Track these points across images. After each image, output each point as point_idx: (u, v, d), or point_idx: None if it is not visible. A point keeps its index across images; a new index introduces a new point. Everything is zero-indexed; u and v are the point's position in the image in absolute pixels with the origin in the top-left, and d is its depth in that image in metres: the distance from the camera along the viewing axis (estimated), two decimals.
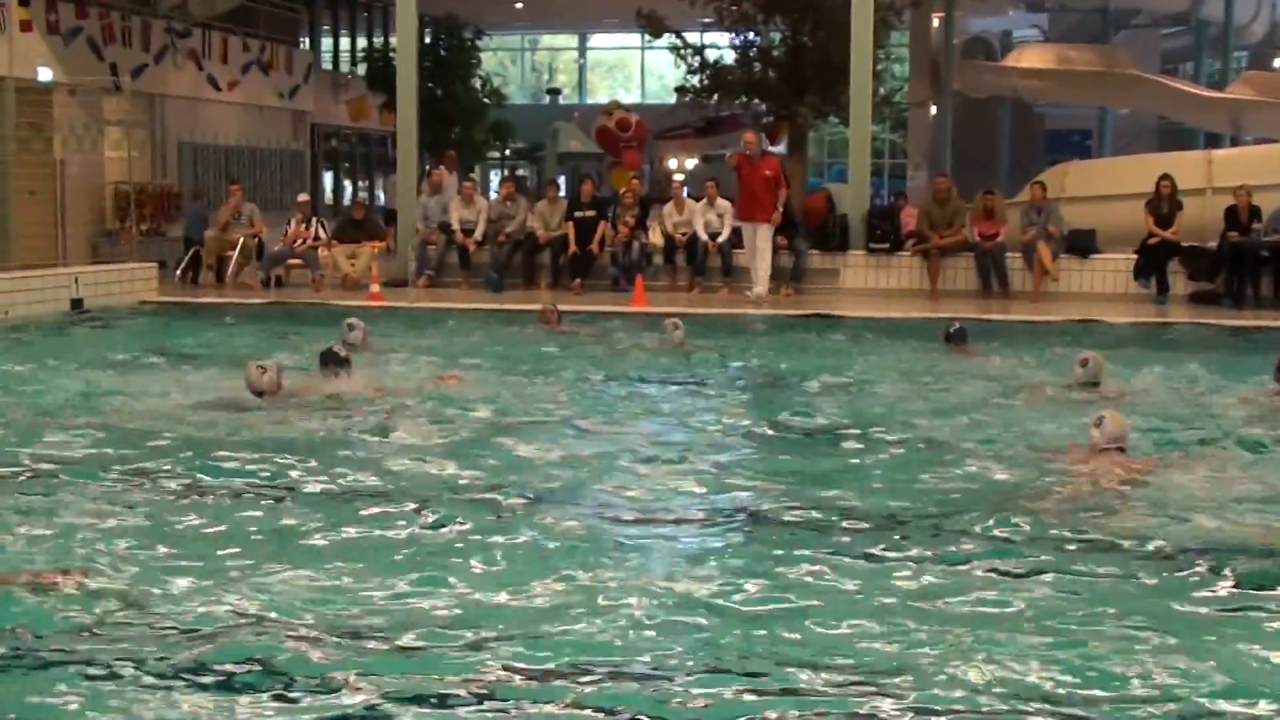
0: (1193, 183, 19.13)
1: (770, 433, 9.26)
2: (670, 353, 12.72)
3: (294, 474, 7.72)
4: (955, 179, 20.38)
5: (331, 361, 10.00)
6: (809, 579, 5.82)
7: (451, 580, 5.77)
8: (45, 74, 21.86)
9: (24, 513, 6.68)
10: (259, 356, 10.74)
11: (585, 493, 7.40)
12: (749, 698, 4.53)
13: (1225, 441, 8.65)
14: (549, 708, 4.45)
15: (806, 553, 6.17)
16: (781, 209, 18.43)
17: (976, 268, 18.61)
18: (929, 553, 6.17)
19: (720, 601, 5.50)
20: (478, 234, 19.82)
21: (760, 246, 18.16)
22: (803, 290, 18.78)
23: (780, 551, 6.21)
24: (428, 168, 24.20)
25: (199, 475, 7.64)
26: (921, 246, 18.92)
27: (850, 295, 18.62)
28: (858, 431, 9.09)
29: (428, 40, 29.25)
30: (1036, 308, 17.05)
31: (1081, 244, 18.60)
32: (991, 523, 6.62)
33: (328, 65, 35.68)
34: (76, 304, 16.45)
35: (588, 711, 4.44)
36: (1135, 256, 18.17)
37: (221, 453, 8.12)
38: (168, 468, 7.80)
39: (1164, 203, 18.11)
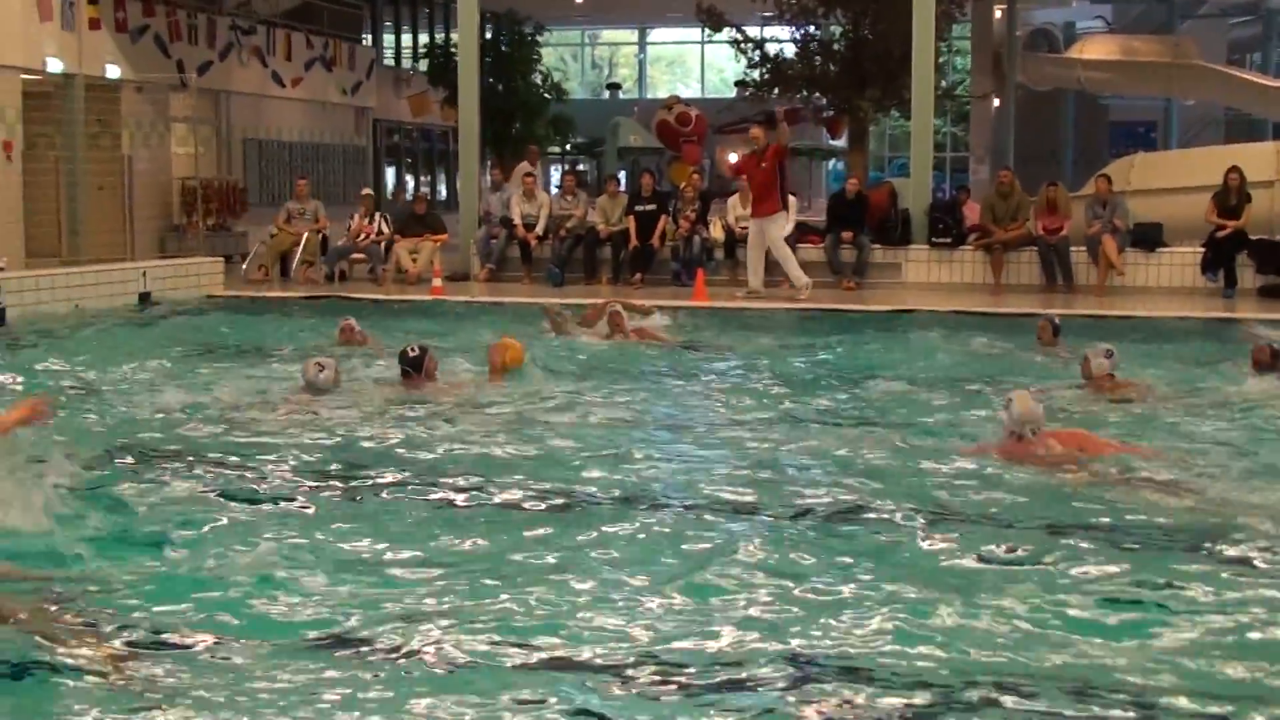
0: (1262, 174, 18.92)
1: (847, 430, 9.20)
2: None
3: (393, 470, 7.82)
4: (1018, 172, 20.26)
5: (402, 362, 10.08)
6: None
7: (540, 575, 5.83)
8: (113, 71, 22.14)
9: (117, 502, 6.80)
10: (318, 353, 10.84)
11: (680, 488, 7.45)
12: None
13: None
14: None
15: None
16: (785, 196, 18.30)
17: (1040, 262, 18.50)
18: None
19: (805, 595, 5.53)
20: (539, 228, 19.89)
21: (776, 244, 17.99)
22: (864, 285, 18.73)
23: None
24: (489, 162, 24.33)
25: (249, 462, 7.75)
26: (984, 241, 18.82)
27: (912, 290, 18.55)
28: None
29: (488, 36, 29.33)
30: (1101, 302, 16.93)
31: (1148, 237, 18.44)
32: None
33: (390, 61, 35.86)
34: (144, 298, 16.62)
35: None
36: (1203, 250, 18.00)
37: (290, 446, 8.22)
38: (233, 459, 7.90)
39: (1232, 195, 17.93)
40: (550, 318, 13.57)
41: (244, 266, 20.66)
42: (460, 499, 7.17)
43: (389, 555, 6.11)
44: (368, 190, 22.07)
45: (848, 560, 5.98)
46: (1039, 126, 36.29)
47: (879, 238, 19.37)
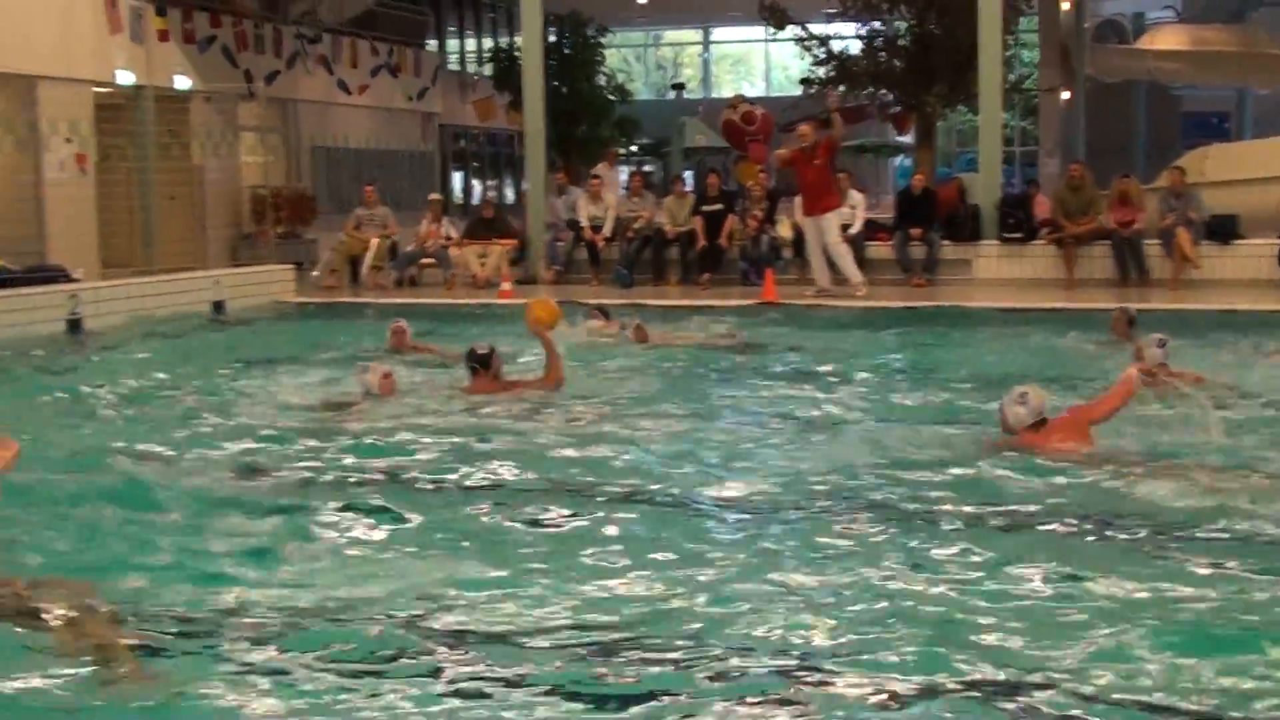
0: None
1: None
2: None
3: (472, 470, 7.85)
4: (1089, 165, 20.06)
5: (470, 360, 10.09)
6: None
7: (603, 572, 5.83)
8: (182, 82, 22.34)
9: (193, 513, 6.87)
10: (375, 358, 10.90)
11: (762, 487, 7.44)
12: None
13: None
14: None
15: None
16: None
17: (1114, 256, 18.30)
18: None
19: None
20: (606, 230, 19.90)
21: (831, 239, 17.91)
22: (934, 281, 18.61)
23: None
24: (555, 166, 24.37)
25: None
26: (1056, 235, 18.65)
27: (983, 286, 18.41)
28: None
29: (552, 38, 29.39)
30: (1176, 296, 16.73)
31: (1223, 229, 18.20)
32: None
33: (455, 66, 36.01)
34: (218, 306, 16.76)
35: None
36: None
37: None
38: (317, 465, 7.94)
39: None
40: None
41: (314, 273, 20.80)
42: (533, 499, 7.18)
43: (464, 556, 6.14)
44: (435, 195, 22.17)
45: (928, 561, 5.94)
46: (1109, 119, 35.90)
47: (948, 234, 19.24)
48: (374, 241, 20.11)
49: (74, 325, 14.72)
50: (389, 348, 12.33)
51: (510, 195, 36.96)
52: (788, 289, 17.57)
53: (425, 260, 20.24)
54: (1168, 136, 37.18)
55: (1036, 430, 7.75)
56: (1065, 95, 32.70)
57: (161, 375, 11.62)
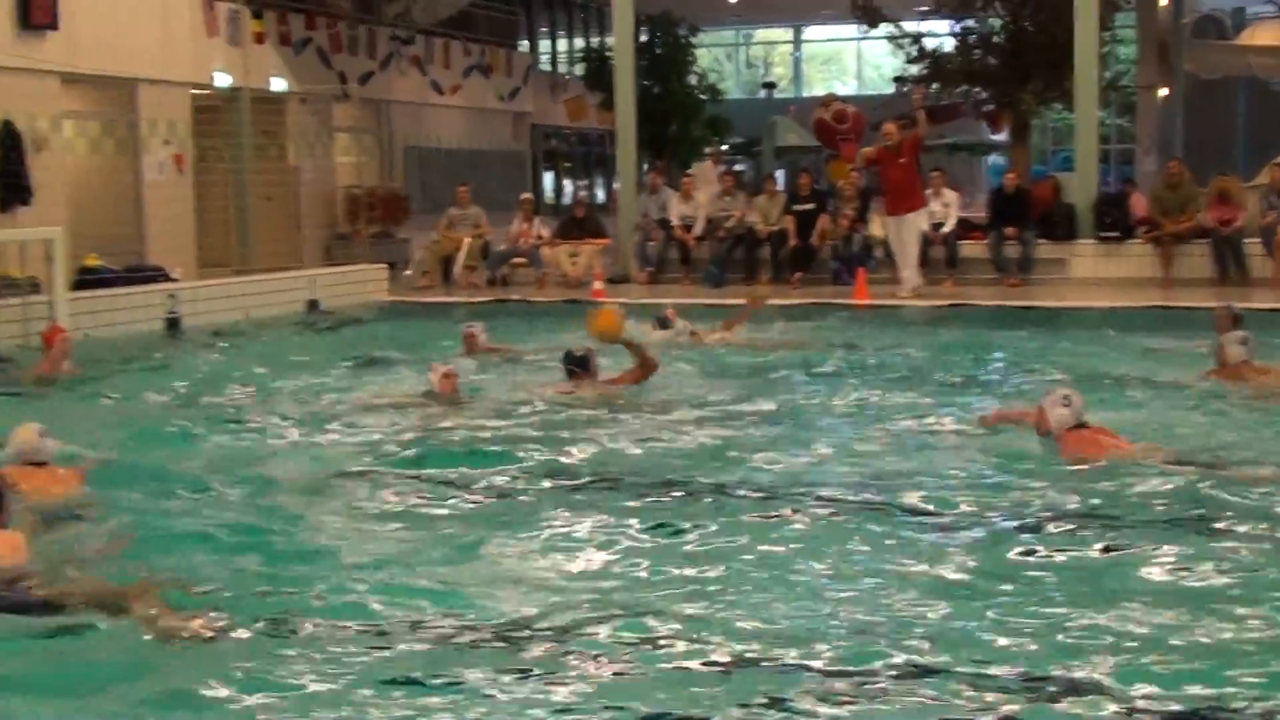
0: None
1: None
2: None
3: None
4: (1187, 163, 19.78)
5: (568, 362, 10.13)
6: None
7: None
8: (278, 84, 22.60)
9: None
10: (443, 359, 10.99)
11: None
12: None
13: None
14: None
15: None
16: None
17: (1213, 254, 18.03)
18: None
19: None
20: (697, 229, 19.89)
21: (907, 238, 17.75)
22: (1029, 281, 18.44)
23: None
24: (646, 165, 24.39)
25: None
26: (1153, 234, 18.41)
27: (1079, 285, 18.21)
28: None
29: (644, 38, 29.41)
30: (1278, 295, 16.44)
31: None
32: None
33: (546, 66, 36.15)
34: (313, 305, 16.94)
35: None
36: None
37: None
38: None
39: None
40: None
41: (407, 272, 20.96)
42: (637, 496, 7.26)
43: (574, 554, 6.19)
44: (527, 195, 22.27)
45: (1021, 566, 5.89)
46: (1208, 116, 35.40)
47: (1044, 233, 19.05)
48: (466, 241, 20.22)
49: (172, 324, 14.94)
50: (463, 352, 12.37)
51: (601, 195, 37.05)
52: (880, 288, 17.47)
53: (517, 259, 20.33)
54: (1268, 133, 36.52)
55: (1077, 432, 7.67)
56: (1163, 92, 32.29)
57: (255, 372, 11.75)
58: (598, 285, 18.26)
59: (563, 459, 8.15)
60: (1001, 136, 32.92)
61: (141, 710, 4.53)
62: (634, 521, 6.65)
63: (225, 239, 21.76)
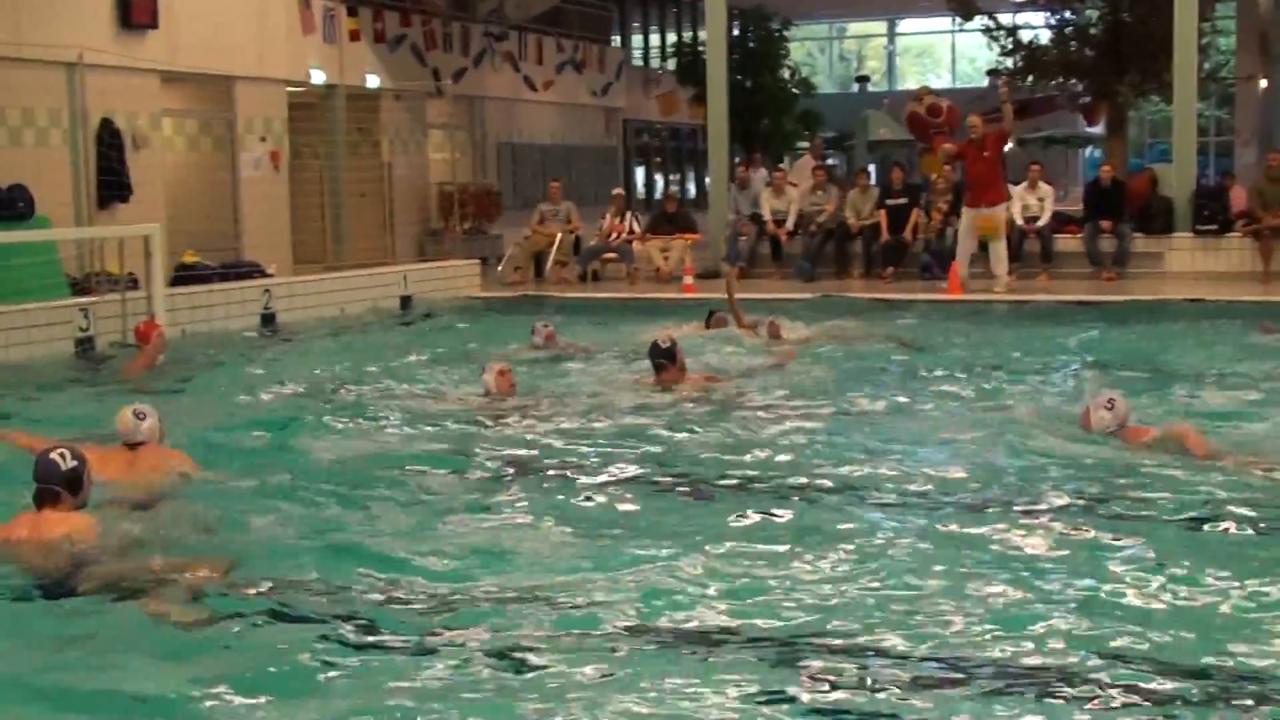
0: None
1: None
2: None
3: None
4: None
5: (655, 355, 10.12)
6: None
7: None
8: (373, 81, 22.79)
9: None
10: (500, 357, 11.06)
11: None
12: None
13: None
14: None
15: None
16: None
17: None
18: None
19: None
20: (789, 224, 19.84)
21: (1000, 228, 17.52)
22: (1125, 275, 18.23)
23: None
24: (737, 160, 24.35)
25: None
26: (1253, 227, 18.12)
27: (1175, 279, 17.96)
28: None
29: (736, 32, 29.37)
30: None
31: None
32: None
33: (638, 61, 36.18)
34: (405, 301, 17.08)
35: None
36: None
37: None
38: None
39: None
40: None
41: (499, 268, 21.06)
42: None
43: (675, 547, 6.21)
44: (619, 190, 22.30)
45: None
46: None
47: (1140, 226, 18.82)
48: (558, 236, 20.29)
49: (267, 319, 15.13)
50: (531, 347, 12.39)
51: (692, 190, 37.03)
52: (973, 282, 17.31)
53: (608, 255, 20.38)
54: None
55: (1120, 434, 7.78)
56: (1263, 83, 31.73)
57: (355, 368, 11.87)
58: (688, 280, 18.26)
59: (636, 455, 8.17)
60: (1097, 129, 32.58)
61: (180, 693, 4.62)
62: (720, 520, 6.68)
63: (319, 235, 21.99)
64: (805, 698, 4.47)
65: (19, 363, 12.16)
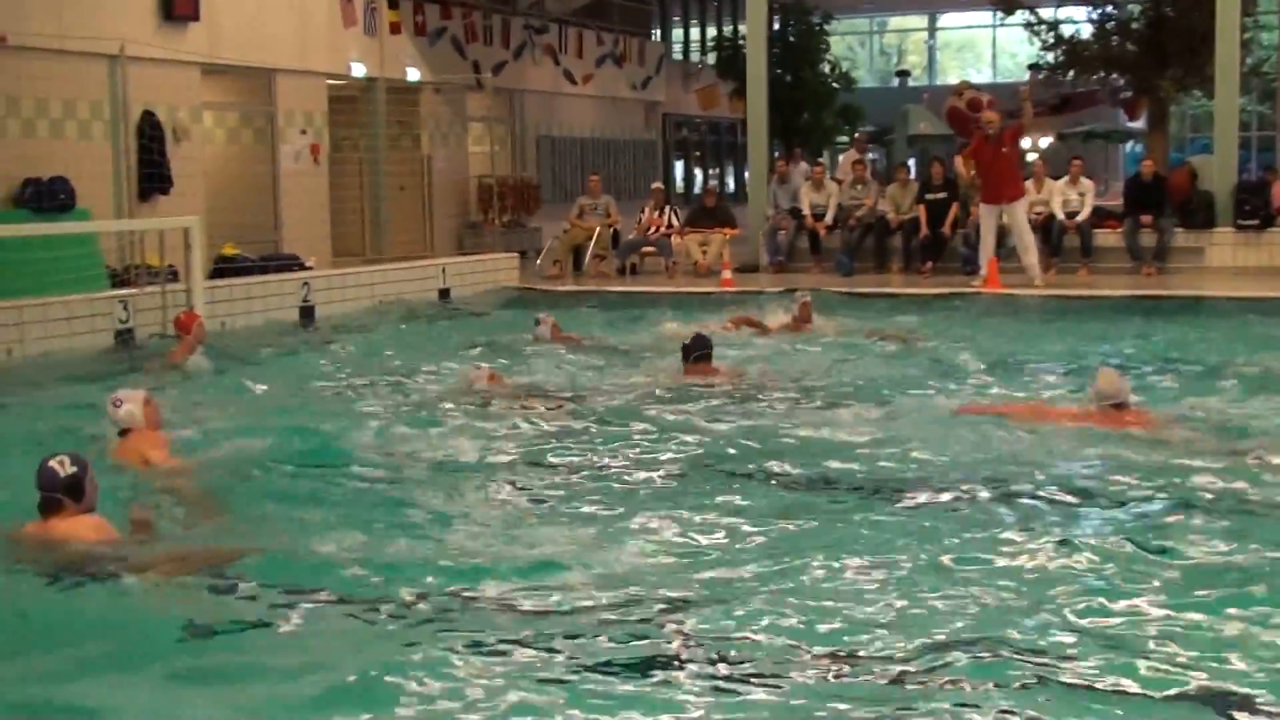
0: None
1: None
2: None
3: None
4: None
5: (694, 348, 10.15)
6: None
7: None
8: (413, 74, 22.85)
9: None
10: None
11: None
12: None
13: None
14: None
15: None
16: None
17: None
18: None
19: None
20: (828, 218, 19.80)
21: (1018, 228, 17.43)
22: (1165, 270, 18.13)
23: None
24: (777, 154, 24.31)
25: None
26: None
27: (1217, 274, 17.86)
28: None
29: (776, 26, 29.31)
30: None
31: None
32: None
33: (678, 55, 36.15)
34: (444, 293, 17.14)
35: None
36: None
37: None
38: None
39: None
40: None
41: (538, 262, 21.10)
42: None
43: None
44: (658, 184, 22.30)
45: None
46: None
47: (1181, 221, 18.72)
48: (597, 230, 20.31)
49: (307, 312, 15.20)
50: (541, 337, 12.38)
51: (731, 184, 36.99)
52: (1011, 277, 17.26)
53: (647, 249, 20.38)
54: None
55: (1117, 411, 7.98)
56: None
57: (392, 360, 11.91)
58: (727, 274, 18.25)
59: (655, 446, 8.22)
60: (1139, 124, 32.40)
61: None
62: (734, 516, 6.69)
63: (359, 228, 22.05)
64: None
65: (60, 353, 12.26)
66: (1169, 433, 7.89)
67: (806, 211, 19.92)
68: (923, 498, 6.95)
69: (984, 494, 6.89)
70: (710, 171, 37.52)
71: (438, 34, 23.65)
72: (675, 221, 20.43)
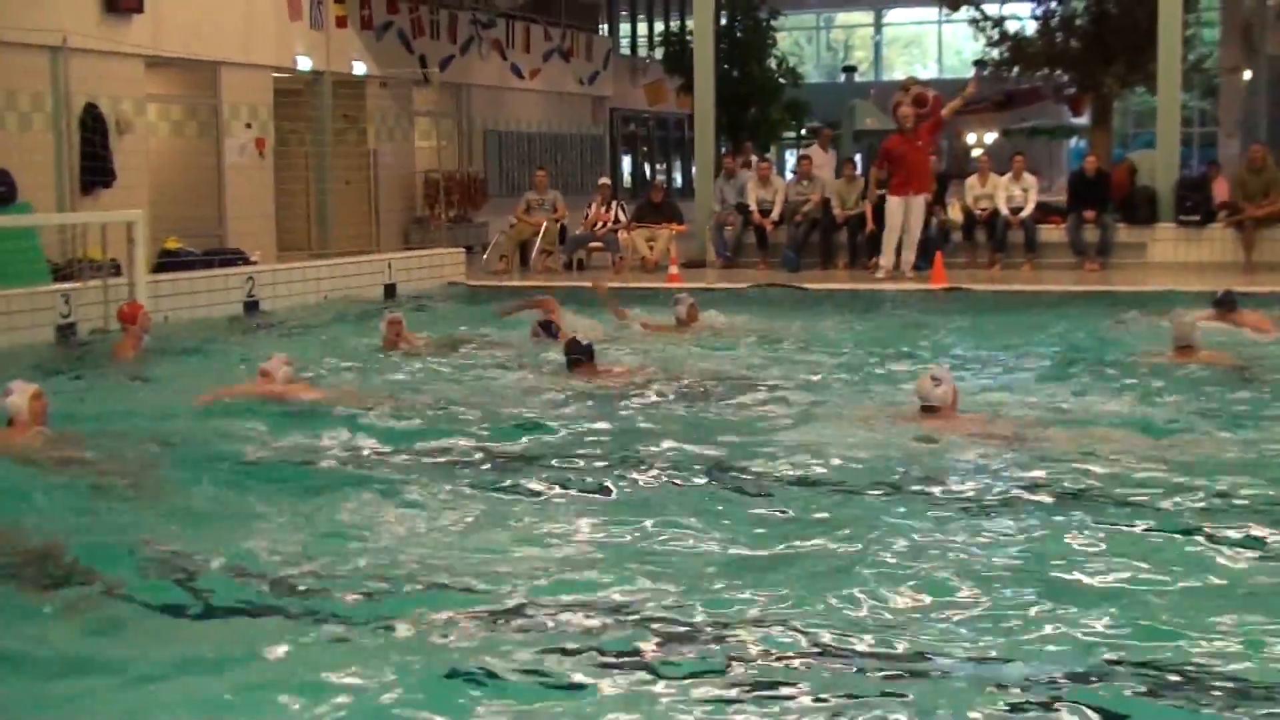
0: None
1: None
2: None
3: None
4: (1271, 147, 19.51)
5: (573, 351, 10.18)
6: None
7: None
8: (359, 68, 22.76)
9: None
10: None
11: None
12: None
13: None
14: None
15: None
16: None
17: None
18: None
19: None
20: (775, 214, 19.85)
21: (913, 223, 17.86)
22: (1108, 265, 18.29)
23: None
24: (724, 150, 24.36)
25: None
26: (1235, 218, 18.19)
27: (1159, 269, 18.02)
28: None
29: (724, 22, 29.37)
30: None
31: None
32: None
33: (625, 50, 36.16)
34: (389, 289, 17.08)
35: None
36: None
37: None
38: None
39: None
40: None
41: (485, 257, 21.07)
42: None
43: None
44: (605, 179, 22.31)
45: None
46: None
47: (1123, 216, 18.89)
48: (544, 225, 20.30)
49: (251, 307, 15.12)
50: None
51: (679, 179, 37.03)
52: (957, 272, 17.38)
53: (594, 244, 20.39)
54: None
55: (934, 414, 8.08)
56: (1247, 75, 31.79)
57: (332, 356, 11.84)
58: (674, 270, 18.28)
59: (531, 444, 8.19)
60: (1083, 120, 32.64)
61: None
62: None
63: (304, 222, 21.95)
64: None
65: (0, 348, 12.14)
66: (974, 433, 7.96)
67: (753, 207, 19.96)
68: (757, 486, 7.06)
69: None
70: (658, 166, 37.55)
71: (384, 28, 23.56)
72: (622, 217, 20.44)
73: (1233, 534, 5.97)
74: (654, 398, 9.51)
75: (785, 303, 15.60)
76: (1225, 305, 12.14)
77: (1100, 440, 7.76)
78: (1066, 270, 18.13)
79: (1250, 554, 5.76)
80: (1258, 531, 6.02)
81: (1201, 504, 6.48)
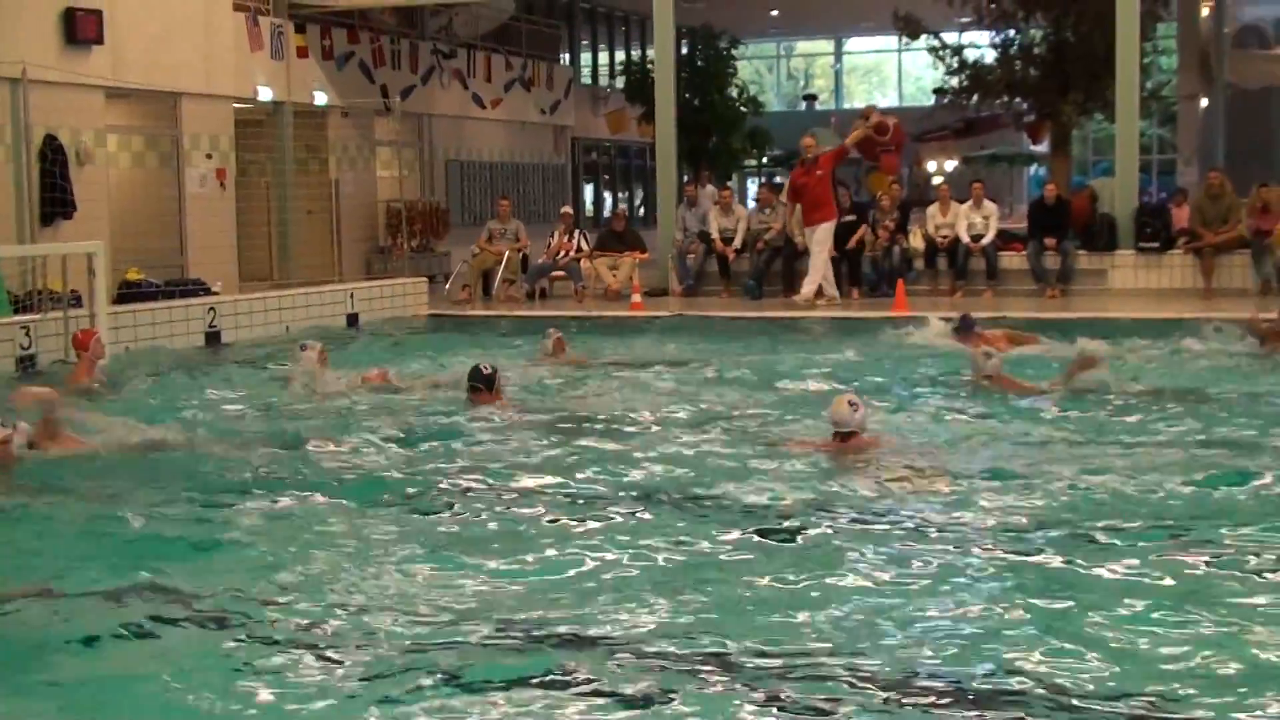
0: None
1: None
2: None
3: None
4: (1228, 174, 19.68)
5: (474, 379, 10.21)
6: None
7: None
8: (320, 98, 22.73)
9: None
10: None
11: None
12: None
13: None
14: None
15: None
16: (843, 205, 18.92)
17: (1253, 265, 17.94)
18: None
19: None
20: (736, 242, 19.89)
21: (815, 249, 18.23)
22: (1069, 292, 18.39)
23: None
24: (686, 178, 24.41)
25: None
26: (1194, 244, 18.33)
27: (1119, 296, 18.14)
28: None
29: (684, 51, 29.46)
30: None
31: None
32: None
33: (587, 79, 36.23)
34: (352, 319, 17.03)
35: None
36: None
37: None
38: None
39: None
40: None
41: (447, 286, 21.03)
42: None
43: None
44: (567, 208, 22.33)
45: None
46: (1249, 126, 35.08)
47: (1084, 244, 19.01)
48: (506, 254, 20.29)
49: (212, 337, 15.05)
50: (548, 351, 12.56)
51: (641, 207, 37.09)
52: (919, 299, 17.44)
53: (556, 273, 20.39)
54: None
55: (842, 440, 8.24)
56: (1204, 102, 32.10)
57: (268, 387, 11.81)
58: (636, 298, 18.29)
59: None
60: (1042, 148, 32.84)
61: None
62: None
63: (266, 253, 21.88)
64: None
65: None
66: (881, 459, 8.12)
67: (715, 235, 19.99)
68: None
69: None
70: (619, 195, 37.60)
71: (345, 58, 23.54)
72: (585, 245, 20.46)
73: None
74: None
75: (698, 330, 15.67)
76: (965, 329, 12.78)
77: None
78: (1028, 297, 18.22)
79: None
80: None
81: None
